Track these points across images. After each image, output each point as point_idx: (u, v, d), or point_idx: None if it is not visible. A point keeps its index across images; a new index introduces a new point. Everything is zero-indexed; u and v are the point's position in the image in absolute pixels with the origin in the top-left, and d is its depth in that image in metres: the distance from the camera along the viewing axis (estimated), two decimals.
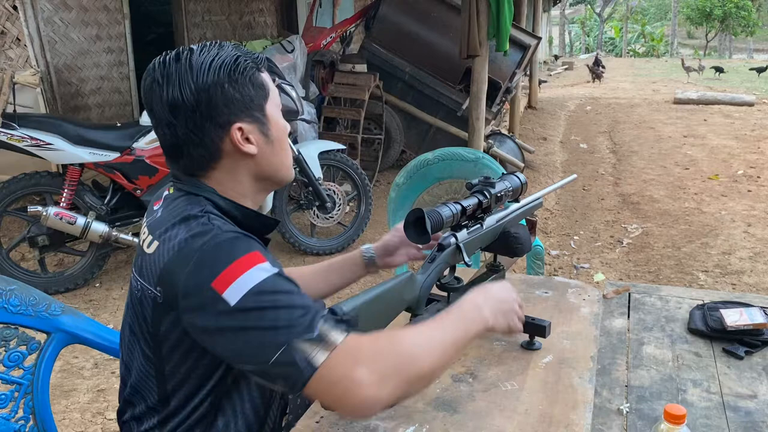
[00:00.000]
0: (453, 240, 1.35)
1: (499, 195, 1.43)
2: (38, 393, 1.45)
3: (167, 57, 1.05)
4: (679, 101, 11.53)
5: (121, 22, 5.23)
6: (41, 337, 1.45)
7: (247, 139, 1.07)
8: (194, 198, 1.07)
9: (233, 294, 0.91)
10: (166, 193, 1.13)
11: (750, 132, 8.60)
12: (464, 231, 1.38)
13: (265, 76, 1.10)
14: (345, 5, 7.88)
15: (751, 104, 11.12)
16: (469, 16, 4.42)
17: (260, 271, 0.93)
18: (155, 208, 1.12)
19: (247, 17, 6.81)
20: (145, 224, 1.12)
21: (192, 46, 1.06)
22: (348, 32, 6.16)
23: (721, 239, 4.53)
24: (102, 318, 3.28)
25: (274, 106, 1.11)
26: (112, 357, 1.58)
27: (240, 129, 1.05)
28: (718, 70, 16.49)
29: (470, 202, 1.37)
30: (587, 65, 16.81)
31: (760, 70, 16.45)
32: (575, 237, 4.73)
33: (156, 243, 1.02)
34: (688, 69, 16.04)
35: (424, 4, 5.68)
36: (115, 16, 5.18)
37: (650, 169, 6.74)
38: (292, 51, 4.83)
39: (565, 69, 19.40)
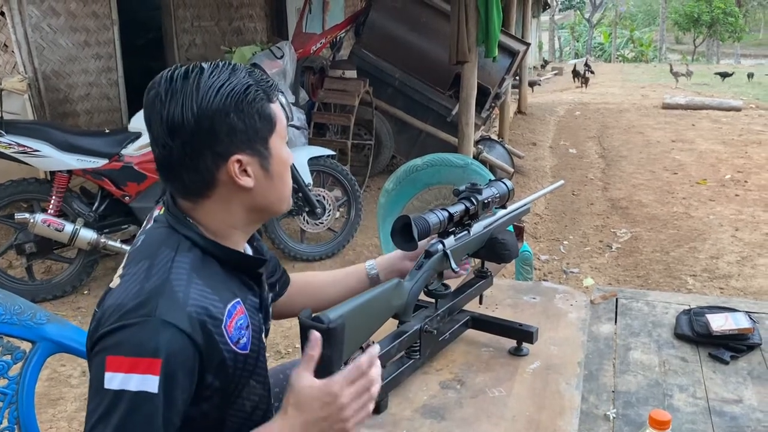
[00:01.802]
0: (440, 247, 1.35)
1: (486, 201, 1.44)
2: (23, 403, 1.44)
3: (175, 72, 0.99)
4: (667, 106, 11.61)
5: (109, 28, 5.22)
6: (26, 346, 1.43)
7: (245, 171, 1.02)
8: (173, 235, 1.03)
9: (112, 380, 0.90)
10: (157, 213, 1.10)
11: (737, 137, 8.67)
12: (451, 238, 1.39)
13: (275, 107, 1.05)
14: (335, 11, 7.90)
15: (738, 109, 11.21)
16: (458, 22, 4.44)
17: (148, 383, 0.90)
18: (147, 227, 1.10)
19: (236, 23, 6.81)
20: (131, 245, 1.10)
21: (204, 64, 1.01)
22: (338, 38, 6.17)
23: (709, 243, 4.57)
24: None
25: (279, 138, 1.06)
26: None
27: (239, 161, 1.01)
28: (724, 75, 16.53)
29: (457, 208, 1.37)
30: (572, 71, 16.96)
31: (750, 75, 16.66)
32: (564, 242, 4.75)
33: (119, 279, 1.01)
34: (676, 74, 16.17)
35: (413, 11, 5.70)
36: (103, 22, 5.16)
37: (639, 173, 6.78)
38: (282, 57, 4.83)
39: (555, 74, 19.48)
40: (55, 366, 2.88)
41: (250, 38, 6.90)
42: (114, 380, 0.90)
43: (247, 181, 1.03)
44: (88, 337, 1.00)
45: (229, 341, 1.01)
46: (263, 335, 1.17)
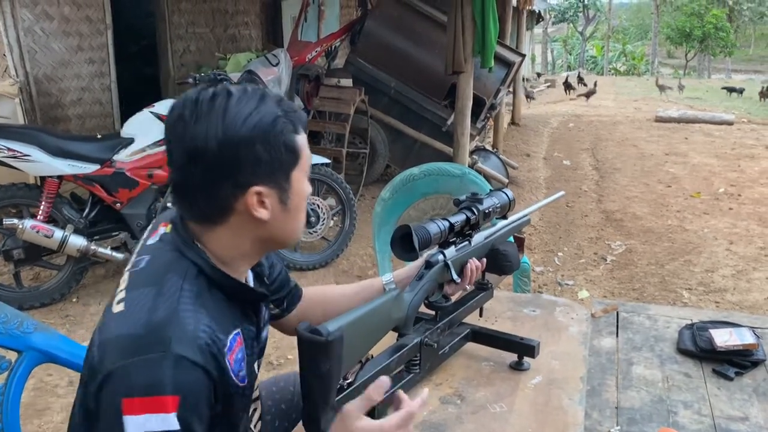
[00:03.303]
0: (441, 257, 1.32)
1: (487, 211, 1.41)
2: (8, 414, 1.40)
3: (201, 95, 0.96)
4: (660, 119, 11.66)
5: (103, 32, 5.17)
6: (12, 355, 1.39)
7: (262, 203, 0.99)
8: (181, 261, 0.99)
9: (132, 424, 0.86)
10: (163, 230, 1.05)
11: (730, 150, 8.70)
12: (452, 248, 1.35)
13: (301, 139, 1.02)
14: (329, 20, 7.89)
15: (730, 123, 11.27)
16: (455, 33, 4.42)
17: (169, 422, 0.87)
18: (149, 241, 1.05)
19: (231, 30, 6.79)
20: (131, 263, 1.04)
21: (232, 88, 0.97)
22: (333, 47, 6.16)
23: (704, 257, 4.55)
24: (78, 334, 3.20)
25: (301, 171, 1.03)
26: None
27: (258, 193, 0.98)
28: (731, 90, 16.71)
29: (458, 218, 1.34)
30: (563, 82, 17.19)
31: (740, 90, 16.85)
32: (559, 253, 4.73)
33: (122, 305, 0.96)
34: (662, 87, 16.50)
35: (409, 20, 5.70)
36: (97, 27, 5.12)
37: (633, 186, 6.78)
38: (278, 64, 4.81)
39: (548, 86, 19.59)
40: (41, 375, 2.81)
41: (244, 45, 6.87)
42: (135, 423, 0.86)
43: (263, 214, 0.99)
44: (90, 365, 0.94)
45: (231, 373, 0.99)
46: (256, 366, 1.13)
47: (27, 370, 1.45)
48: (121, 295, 0.98)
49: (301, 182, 1.03)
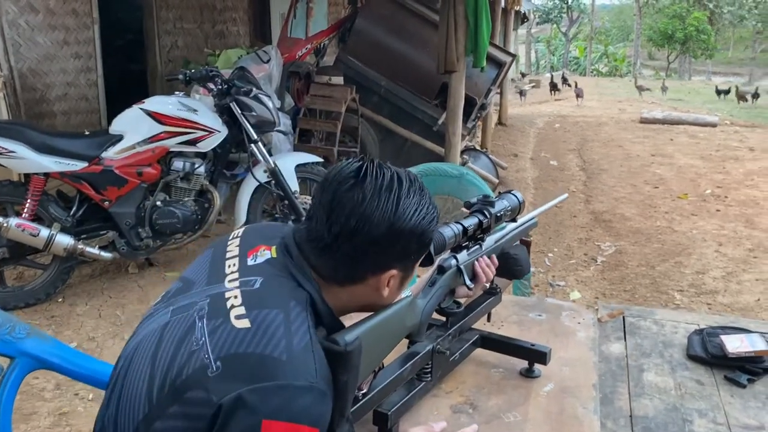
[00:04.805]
0: (454, 262, 1.29)
1: (498, 215, 1.38)
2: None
3: (382, 172, 0.99)
4: (645, 120, 11.75)
5: (90, 26, 5.07)
6: (4, 361, 1.34)
7: (388, 283, 1.03)
8: (298, 290, 0.98)
9: None
10: (268, 254, 1.03)
11: (715, 152, 8.78)
12: (464, 252, 1.32)
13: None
14: (318, 17, 7.83)
15: (714, 125, 11.39)
16: (447, 32, 4.39)
17: None
18: (249, 261, 1.03)
19: (219, 26, 6.71)
20: (236, 282, 0.99)
21: (399, 173, 1.01)
22: (322, 44, 6.10)
23: (694, 258, 4.57)
24: (65, 335, 3.12)
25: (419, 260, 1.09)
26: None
27: (392, 276, 1.02)
28: (720, 92, 17.00)
29: (471, 221, 1.31)
30: (549, 83, 17.41)
31: (727, 91, 17.12)
32: (549, 254, 4.72)
33: (247, 321, 0.92)
34: (640, 88, 16.85)
35: (400, 19, 5.65)
36: (83, 21, 5.02)
37: (620, 187, 6.80)
38: (268, 61, 4.74)
39: (533, 87, 19.67)
40: (27, 378, 2.72)
41: (232, 42, 6.79)
42: None
43: (386, 291, 1.04)
44: (197, 374, 0.88)
45: None
46: None
47: (19, 377, 1.40)
48: (238, 310, 0.94)
49: (417, 268, 1.08)
